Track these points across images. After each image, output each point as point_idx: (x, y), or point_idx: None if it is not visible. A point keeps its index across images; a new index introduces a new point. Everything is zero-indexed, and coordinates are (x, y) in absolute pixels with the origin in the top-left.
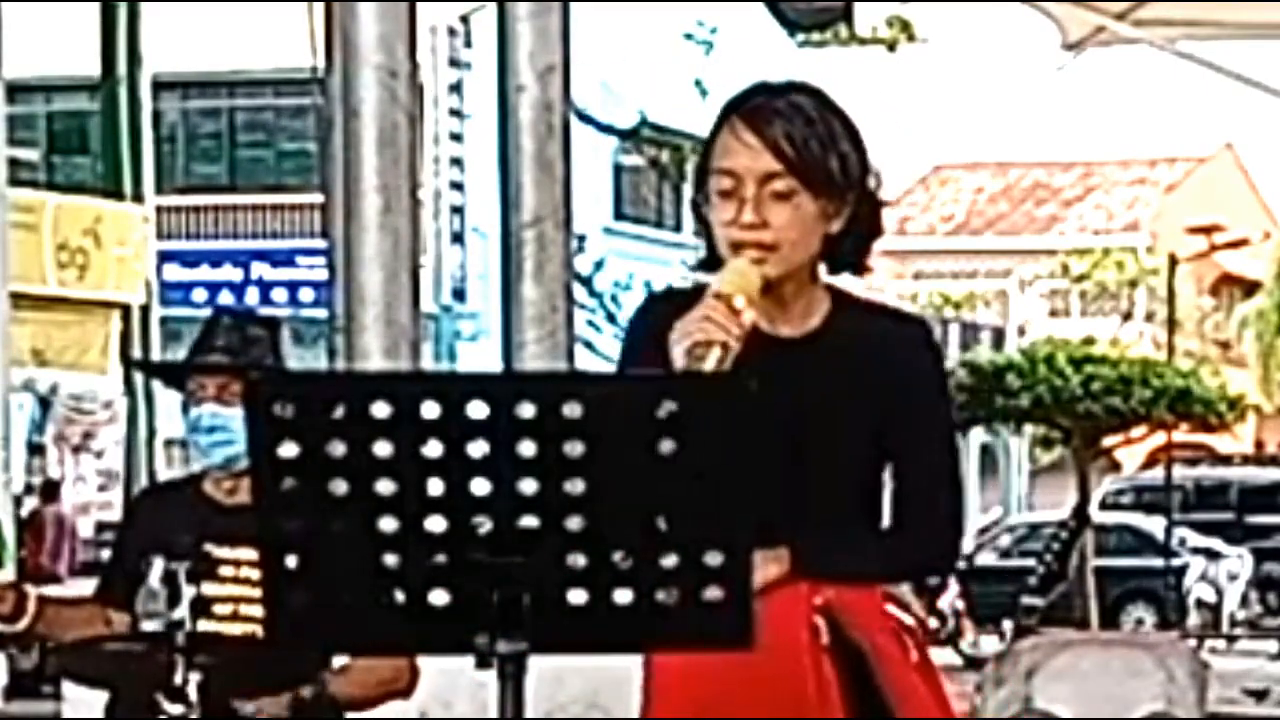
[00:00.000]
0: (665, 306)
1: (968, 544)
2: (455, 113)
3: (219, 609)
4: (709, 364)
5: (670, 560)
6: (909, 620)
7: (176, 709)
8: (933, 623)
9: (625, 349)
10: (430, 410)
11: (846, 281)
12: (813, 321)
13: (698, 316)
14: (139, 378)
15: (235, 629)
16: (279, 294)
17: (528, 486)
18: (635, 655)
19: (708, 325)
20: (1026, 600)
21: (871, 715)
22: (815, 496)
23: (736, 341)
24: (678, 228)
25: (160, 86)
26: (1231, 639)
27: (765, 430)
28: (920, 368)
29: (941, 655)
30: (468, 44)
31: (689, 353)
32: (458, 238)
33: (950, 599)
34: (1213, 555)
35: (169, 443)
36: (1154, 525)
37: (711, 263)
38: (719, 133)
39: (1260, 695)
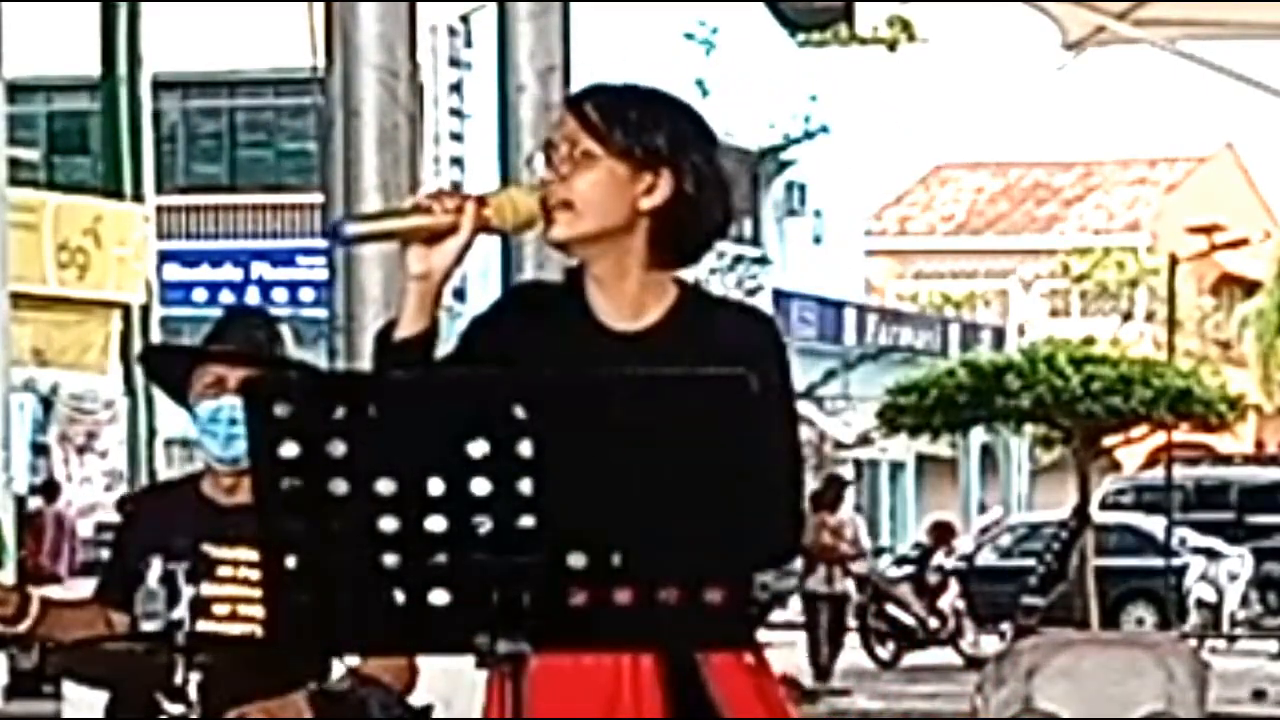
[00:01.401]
0: (521, 297)
1: (968, 544)
2: (455, 113)
3: (217, 609)
4: (404, 222)
5: (669, 560)
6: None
7: (176, 709)
8: (933, 623)
9: (469, 331)
10: None
11: (847, 280)
12: (651, 316)
13: (446, 192)
14: (139, 378)
15: (234, 629)
16: (279, 294)
17: (527, 486)
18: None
19: (443, 199)
20: (1026, 600)
21: (694, 709)
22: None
23: (454, 231)
24: None
25: (160, 86)
26: (1231, 639)
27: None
28: (762, 365)
29: (941, 655)
30: (468, 44)
31: (411, 206)
32: None
33: (950, 599)
34: (1213, 555)
35: (169, 442)
36: (1154, 525)
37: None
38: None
39: (1262, 695)
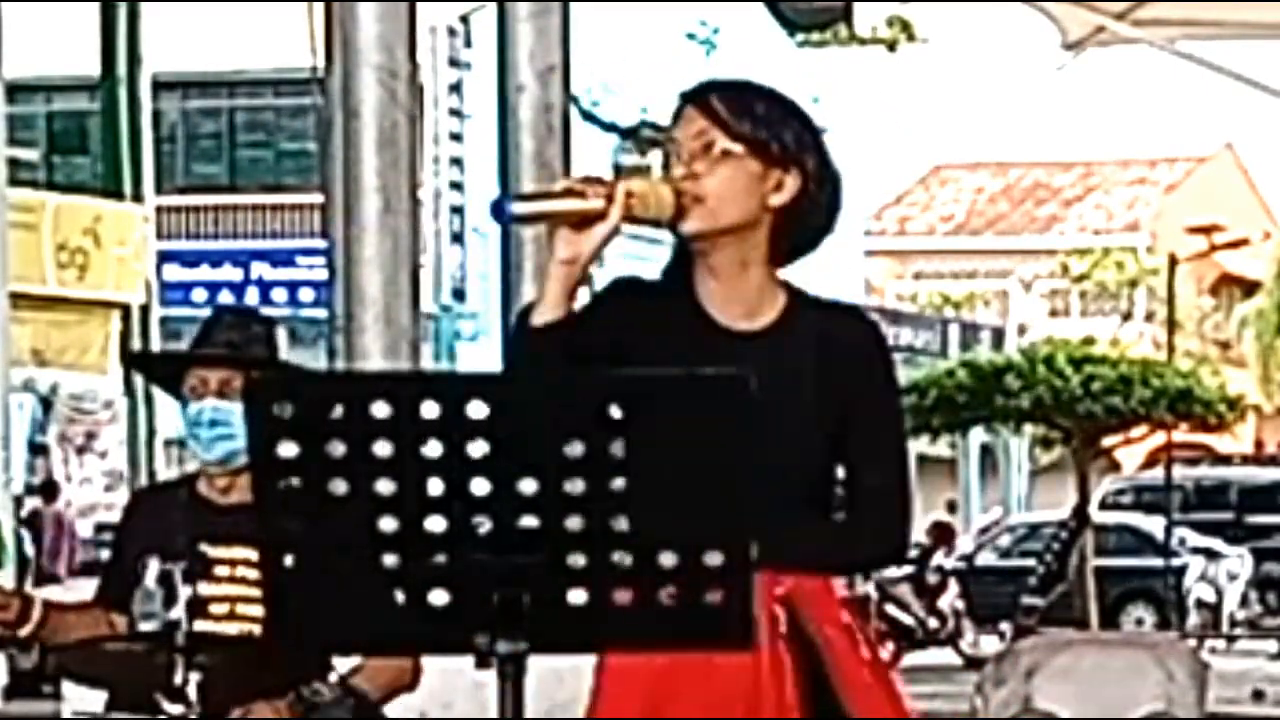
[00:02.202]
0: (628, 292)
1: (968, 544)
2: (455, 113)
3: (215, 609)
4: (561, 204)
5: (670, 560)
6: (907, 619)
7: (176, 709)
8: (932, 623)
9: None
10: (430, 410)
11: (847, 280)
12: (769, 316)
13: (596, 178)
14: (139, 377)
15: (231, 628)
16: (279, 294)
17: (528, 486)
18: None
19: (591, 184)
20: (1026, 600)
21: (822, 708)
22: (768, 487)
23: (604, 219)
24: None
25: (160, 86)
26: (1231, 639)
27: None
28: (872, 367)
29: (941, 655)
30: (468, 44)
31: (562, 189)
32: (458, 238)
33: (950, 599)
34: (1213, 555)
35: (169, 442)
36: (1154, 525)
37: (675, 262)
38: (671, 124)
39: (1261, 695)
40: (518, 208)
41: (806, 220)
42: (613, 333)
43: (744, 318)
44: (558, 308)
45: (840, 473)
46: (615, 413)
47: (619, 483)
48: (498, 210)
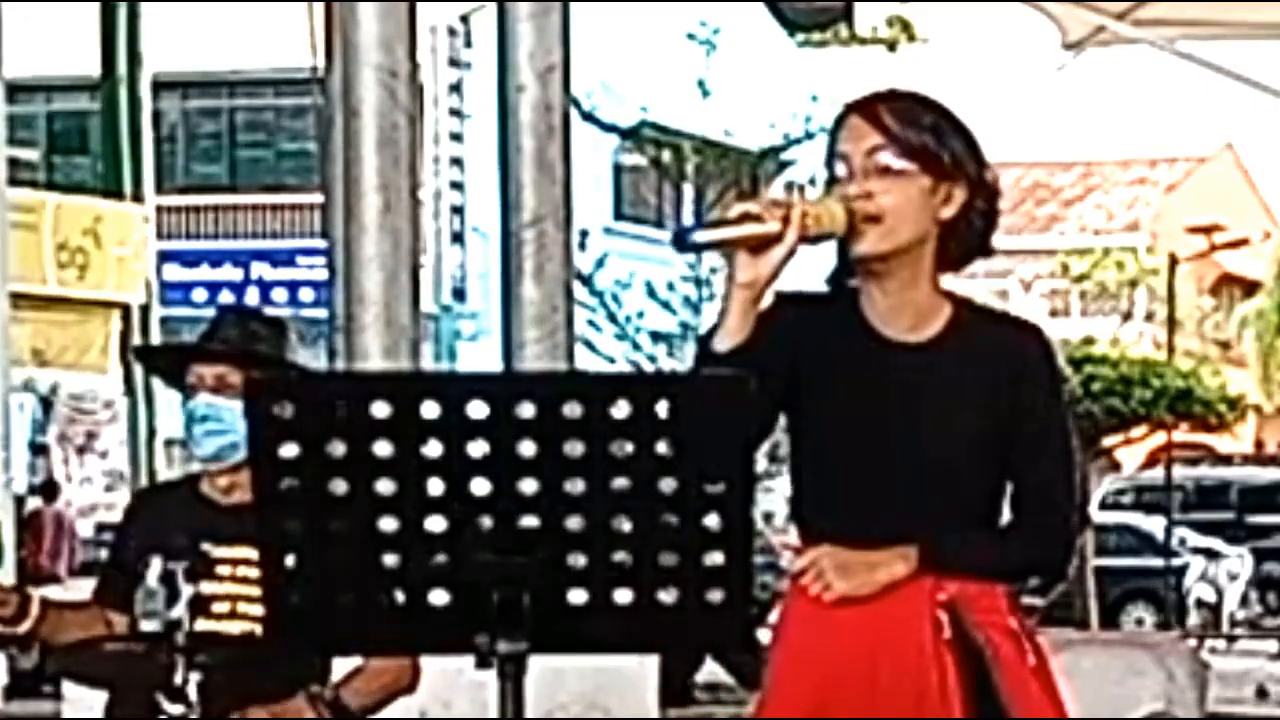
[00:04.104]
0: (792, 308)
1: None
2: (455, 113)
3: (217, 608)
4: (741, 230)
5: (670, 560)
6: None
7: (176, 709)
8: None
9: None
10: (430, 410)
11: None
12: (934, 328)
13: (771, 199)
14: (139, 377)
15: (233, 628)
16: (279, 294)
17: (528, 486)
18: (635, 655)
19: (771, 206)
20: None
21: (987, 712)
22: (935, 498)
23: (781, 240)
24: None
25: (160, 86)
26: (1231, 639)
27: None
28: (1038, 376)
29: None
30: (468, 44)
31: (739, 214)
32: (458, 238)
33: None
34: (1213, 555)
35: (169, 442)
36: (1154, 525)
37: (839, 273)
38: (834, 133)
39: (1263, 694)
40: (700, 236)
41: (970, 232)
42: (783, 349)
43: (910, 330)
44: (740, 332)
45: (1009, 487)
46: (618, 413)
47: (620, 483)
48: (680, 240)
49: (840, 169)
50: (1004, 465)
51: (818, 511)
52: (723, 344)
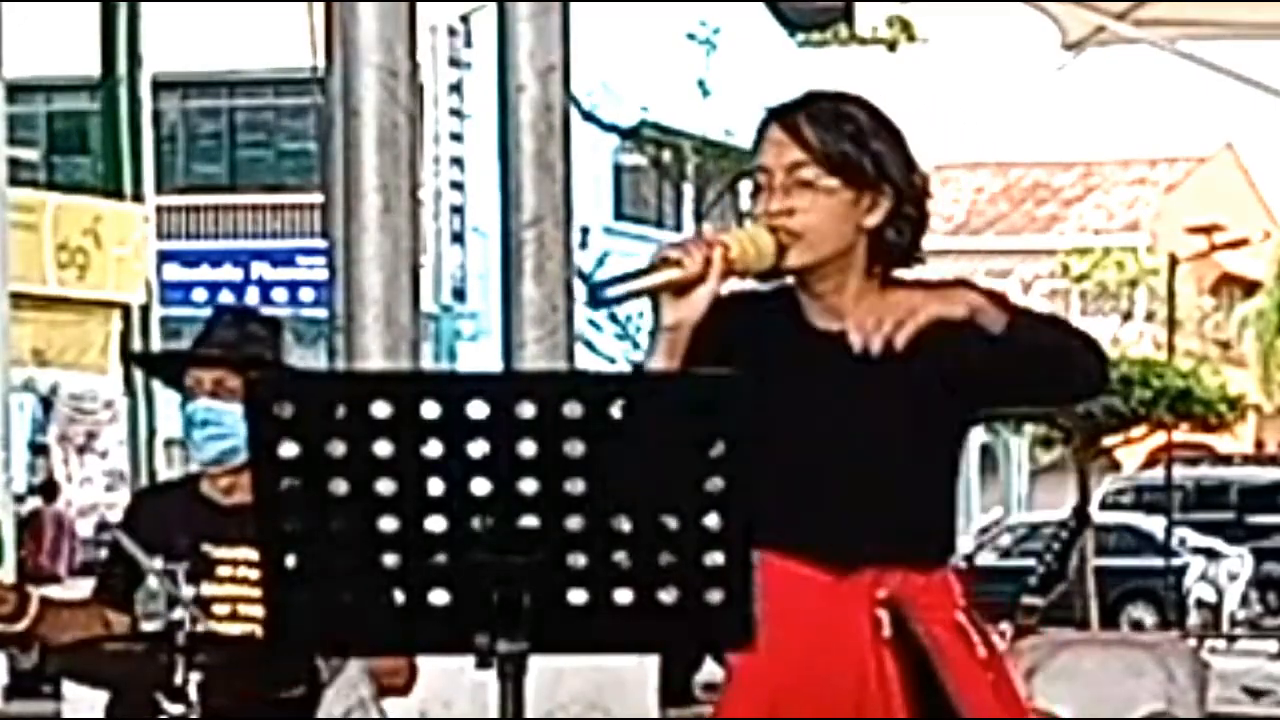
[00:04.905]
0: (731, 306)
1: (968, 544)
2: (455, 113)
3: (217, 609)
4: (657, 278)
5: (670, 560)
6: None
7: (177, 709)
8: None
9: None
10: (430, 410)
11: None
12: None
13: (691, 240)
14: (139, 377)
15: (234, 629)
16: (279, 294)
17: (528, 486)
18: (635, 655)
19: (690, 249)
20: (1026, 600)
21: (934, 711)
22: (877, 495)
23: (704, 280)
24: (678, 227)
25: (160, 86)
26: (1231, 639)
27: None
28: (985, 323)
29: None
30: (468, 44)
31: (659, 259)
32: (458, 238)
33: None
34: (1213, 555)
35: (169, 442)
36: (1154, 525)
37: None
38: (757, 140)
39: (1259, 694)
40: (614, 291)
41: (899, 238)
42: (720, 345)
43: (842, 321)
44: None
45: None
46: (616, 412)
47: (620, 483)
48: (593, 296)
49: (762, 179)
50: (953, 459)
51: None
52: None
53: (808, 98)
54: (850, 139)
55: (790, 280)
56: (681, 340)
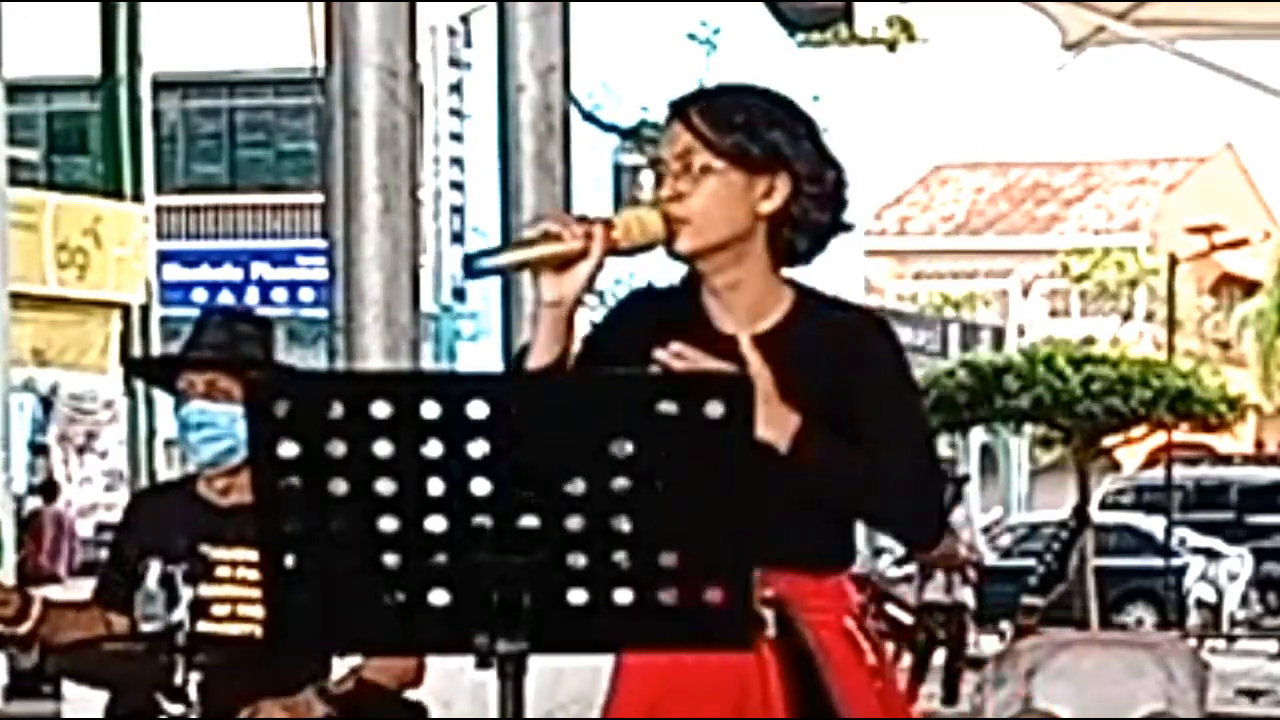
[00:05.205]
0: (641, 304)
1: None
2: (455, 113)
3: (217, 610)
4: (534, 251)
5: (670, 560)
6: (907, 619)
7: (176, 709)
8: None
9: (591, 338)
10: (430, 410)
11: (847, 280)
12: (771, 319)
13: (574, 219)
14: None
15: (234, 629)
16: (279, 294)
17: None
18: None
19: (572, 225)
20: (1026, 600)
21: (816, 712)
22: (770, 488)
23: (586, 257)
24: None
25: (160, 86)
26: (1231, 639)
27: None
28: (879, 363)
29: (941, 655)
30: (468, 44)
31: (540, 234)
32: (458, 238)
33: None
34: (1213, 555)
35: (169, 442)
36: (1154, 525)
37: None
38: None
39: (1256, 695)
40: (488, 263)
41: (805, 221)
42: (628, 343)
43: (746, 322)
44: (549, 350)
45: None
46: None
47: (620, 483)
48: (468, 266)
49: (661, 169)
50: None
51: None
52: (535, 361)
53: (705, 90)
54: (743, 126)
55: (694, 277)
56: (563, 317)
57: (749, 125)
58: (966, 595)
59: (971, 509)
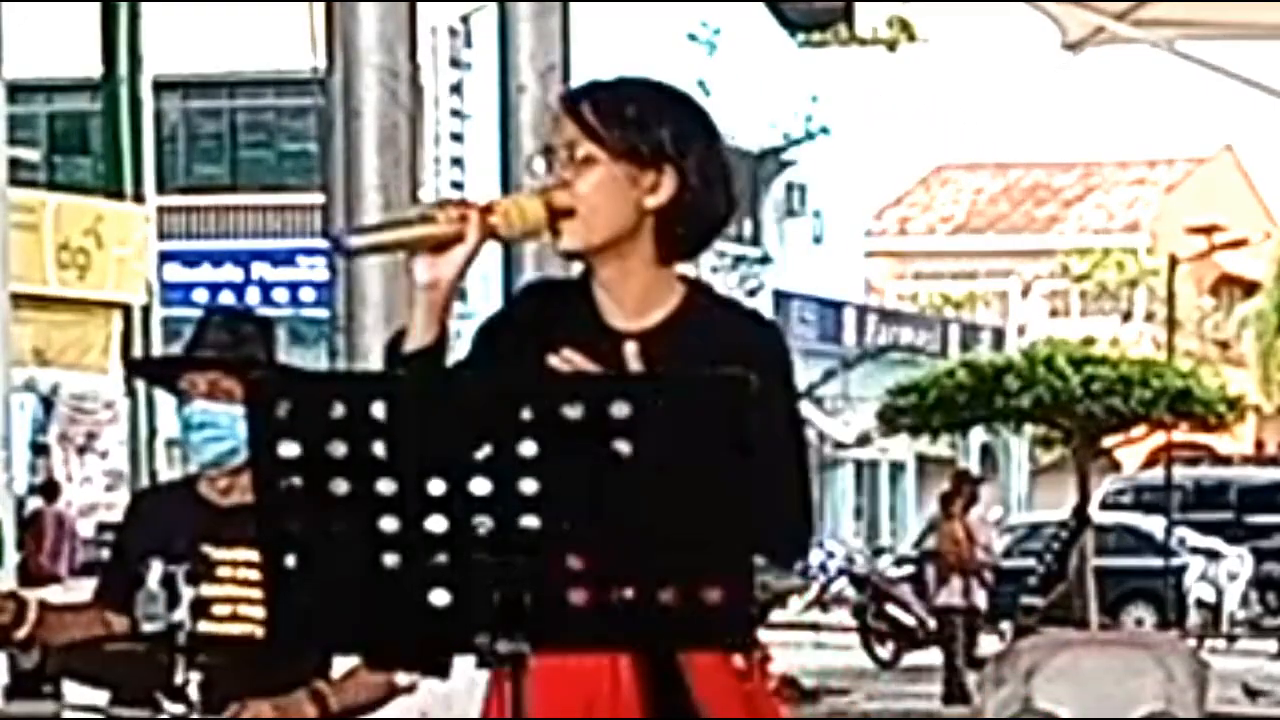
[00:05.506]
0: (535, 298)
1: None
2: (455, 113)
3: (218, 610)
4: (406, 232)
5: (670, 560)
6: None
7: (177, 709)
8: (932, 623)
9: (485, 329)
10: None
11: (847, 280)
12: (657, 315)
13: (451, 200)
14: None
15: (235, 629)
16: (279, 294)
17: (528, 486)
18: None
19: (449, 209)
20: (1026, 600)
21: (675, 711)
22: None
23: (461, 240)
24: None
25: (161, 87)
26: (1231, 639)
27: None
28: (764, 367)
29: (941, 655)
30: (468, 44)
31: (417, 215)
32: None
33: None
34: (1213, 555)
35: (169, 442)
36: (1154, 525)
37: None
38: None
39: (1256, 694)
40: (355, 240)
41: (690, 218)
42: (525, 335)
43: (633, 317)
44: (425, 333)
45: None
46: (618, 413)
47: (620, 483)
48: (335, 244)
49: (551, 159)
50: None
51: None
52: (410, 344)
53: (600, 82)
54: (632, 120)
55: (588, 272)
56: (439, 301)
57: (639, 120)
58: (981, 599)
59: (987, 512)
